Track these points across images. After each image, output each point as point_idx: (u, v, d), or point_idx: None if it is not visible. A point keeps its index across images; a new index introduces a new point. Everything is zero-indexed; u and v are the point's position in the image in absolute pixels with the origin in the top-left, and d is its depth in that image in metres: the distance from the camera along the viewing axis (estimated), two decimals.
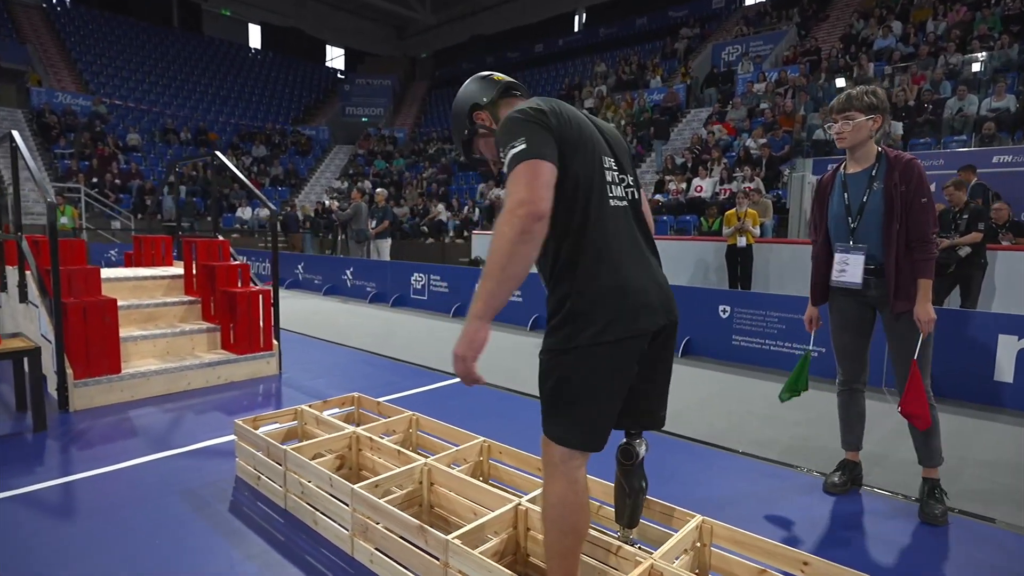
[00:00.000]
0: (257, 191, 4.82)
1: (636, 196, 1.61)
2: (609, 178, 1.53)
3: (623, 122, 14.59)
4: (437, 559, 1.84)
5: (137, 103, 20.35)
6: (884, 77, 11.67)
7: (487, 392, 4.20)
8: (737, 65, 15.53)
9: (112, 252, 11.67)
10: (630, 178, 1.62)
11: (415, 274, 8.22)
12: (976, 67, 10.72)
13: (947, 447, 3.25)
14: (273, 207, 4.66)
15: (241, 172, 13.87)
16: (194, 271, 4.82)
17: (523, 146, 1.37)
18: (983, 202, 6.66)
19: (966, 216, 5.48)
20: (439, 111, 25.55)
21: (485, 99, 1.70)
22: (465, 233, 13.27)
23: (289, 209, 14.69)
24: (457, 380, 4.50)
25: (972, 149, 9.06)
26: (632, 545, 1.82)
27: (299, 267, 10.32)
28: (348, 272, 9.29)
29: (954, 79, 10.64)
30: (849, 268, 2.58)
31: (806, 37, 15.63)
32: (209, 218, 16.04)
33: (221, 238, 5.17)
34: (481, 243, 11.16)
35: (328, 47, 30.25)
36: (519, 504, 2.02)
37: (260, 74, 25.82)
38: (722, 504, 2.51)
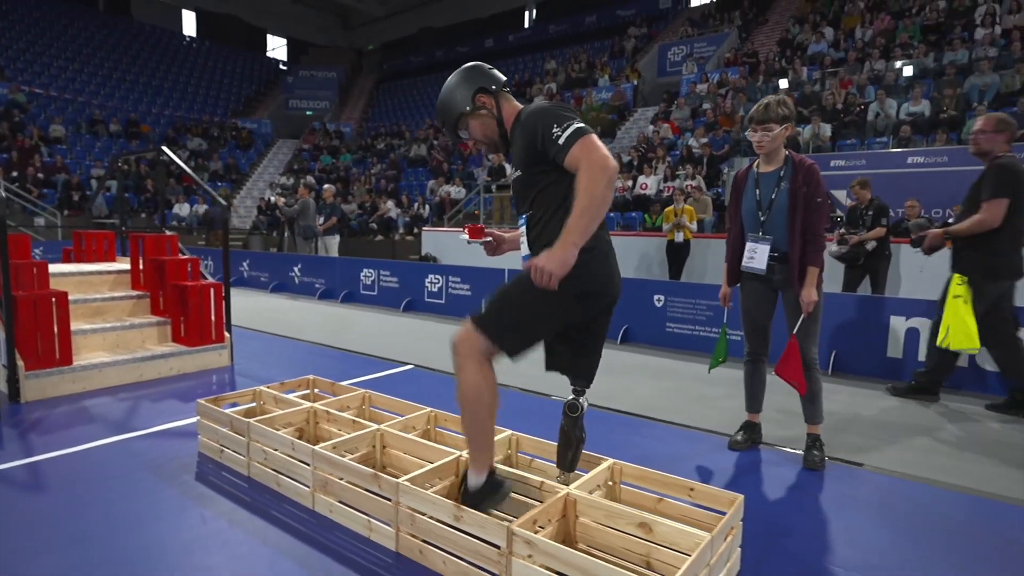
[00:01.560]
0: (207, 187, 5.03)
1: None
2: None
3: None
4: (389, 500, 2.22)
5: (60, 92, 19.60)
6: (815, 81, 12.62)
7: (433, 378, 4.57)
8: (682, 65, 16.36)
9: (37, 250, 11.37)
10: None
11: (364, 270, 8.47)
12: (908, 71, 11.75)
13: (840, 411, 3.85)
14: (224, 203, 4.88)
15: (177, 167, 13.68)
16: (141, 266, 4.99)
17: (581, 123, 1.75)
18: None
19: (871, 213, 6.19)
20: (387, 105, 25.61)
21: (494, 86, 2.01)
22: (415, 230, 13.53)
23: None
24: (408, 367, 4.86)
25: (891, 150, 10.01)
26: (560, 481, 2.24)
27: (245, 264, 10.37)
28: (296, 269, 9.44)
29: (878, 84, 11.66)
30: (757, 256, 3.09)
31: (746, 40, 16.61)
32: (143, 215, 15.72)
33: (169, 233, 5.34)
34: (432, 240, 11.47)
35: (269, 36, 29.77)
36: (460, 456, 2.41)
37: (196, 63, 25.22)
38: (640, 460, 2.97)
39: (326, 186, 10.78)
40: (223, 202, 4.90)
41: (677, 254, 8.50)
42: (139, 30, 24.74)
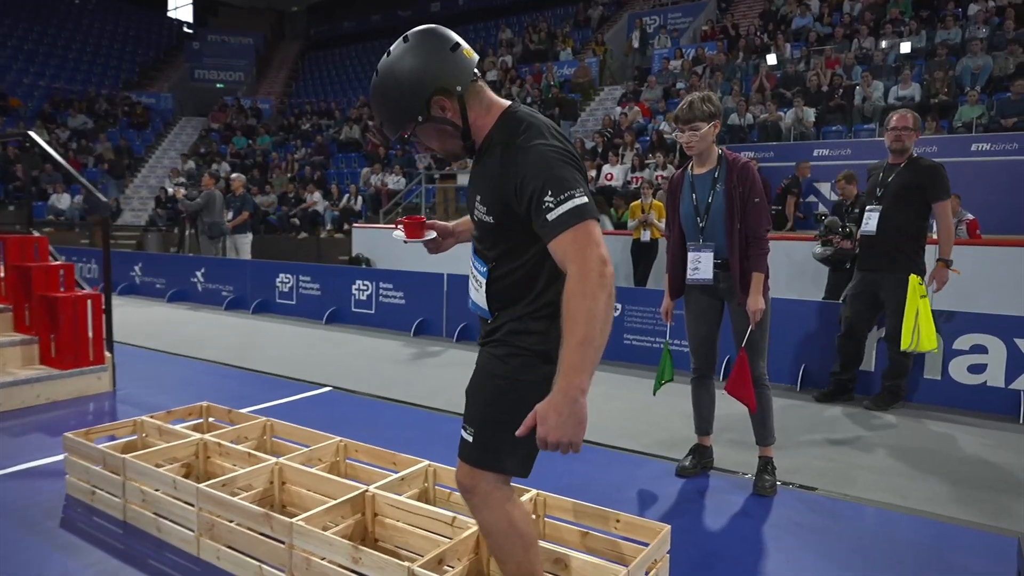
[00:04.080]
0: (84, 181, 4.99)
1: None
2: None
3: (529, 100, 15.40)
4: (283, 542, 2.31)
5: None
6: (799, 59, 13.19)
7: (351, 402, 4.65)
8: (654, 39, 16.82)
9: None
10: None
11: (281, 275, 8.47)
12: (904, 47, 12.37)
13: (800, 429, 4.11)
14: (104, 199, 4.86)
15: (56, 149, 13.27)
16: (1, 273, 4.92)
17: (585, 200, 1.49)
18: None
19: (857, 210, 6.56)
20: (314, 79, 25.39)
21: (460, 87, 1.62)
22: (345, 226, 13.51)
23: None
24: (324, 390, 4.92)
25: (879, 139, 10.55)
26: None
27: (137, 268, 10.20)
28: (199, 274, 9.35)
29: (866, 64, 12.27)
30: (701, 266, 3.30)
31: (726, 11, 17.19)
32: (11, 208, 15.20)
33: (37, 234, 5.27)
34: (366, 238, 11.49)
35: None
36: (366, 491, 2.52)
37: (80, 24, 24.50)
38: (579, 490, 3.14)
39: (234, 175, 10.68)
40: (103, 198, 4.87)
41: (644, 255, 8.77)
42: None
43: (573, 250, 1.46)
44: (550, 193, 1.49)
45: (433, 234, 2.03)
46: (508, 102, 1.72)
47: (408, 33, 1.66)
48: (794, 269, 7.65)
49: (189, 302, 9.33)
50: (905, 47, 12.38)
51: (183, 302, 9.36)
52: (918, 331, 4.22)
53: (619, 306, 5.96)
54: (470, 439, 1.75)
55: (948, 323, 4.64)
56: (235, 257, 9.75)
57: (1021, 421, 4.32)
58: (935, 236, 4.79)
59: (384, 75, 1.65)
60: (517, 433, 1.48)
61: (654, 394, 3.72)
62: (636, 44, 16.87)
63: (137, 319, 7.84)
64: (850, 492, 3.24)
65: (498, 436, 1.71)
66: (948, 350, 4.64)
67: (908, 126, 4.38)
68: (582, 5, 20.50)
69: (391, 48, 1.66)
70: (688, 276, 3.31)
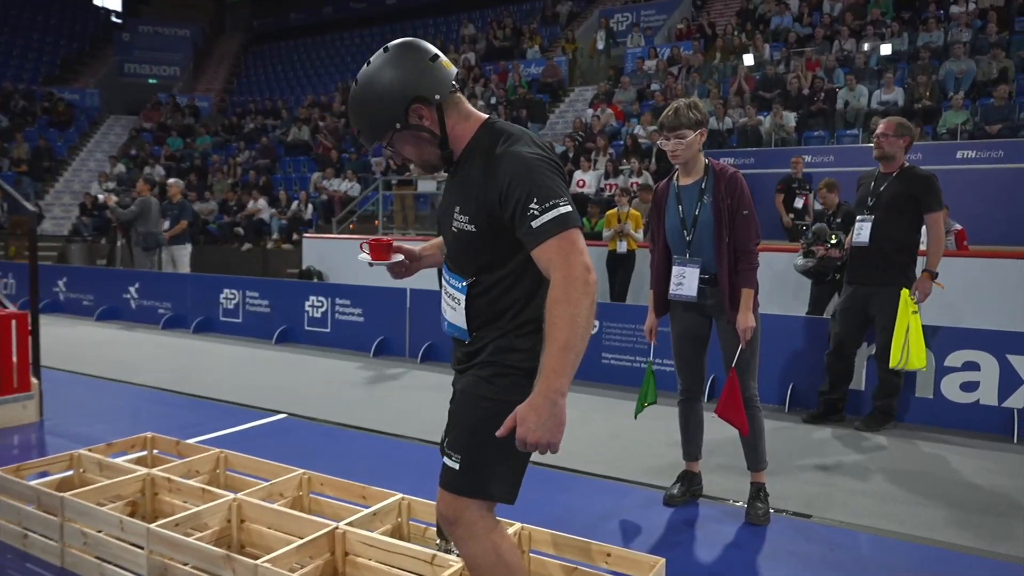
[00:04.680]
0: (7, 187, 4.88)
1: None
2: None
3: (493, 100, 15.52)
4: None
5: None
6: (779, 61, 13.58)
7: (310, 429, 4.62)
8: (626, 37, 17.13)
9: None
10: None
11: (225, 290, 8.36)
12: (884, 49, 12.83)
13: (792, 453, 4.21)
14: (32, 208, 4.75)
15: None
16: None
17: (569, 208, 1.62)
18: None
19: (839, 219, 6.78)
20: (258, 74, 25.18)
21: (438, 96, 1.75)
22: (295, 236, 13.39)
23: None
24: (279, 417, 4.87)
25: (862, 145, 10.92)
26: (454, 554, 2.39)
27: (61, 283, 9.94)
28: (132, 289, 9.18)
29: (848, 67, 12.70)
30: (686, 281, 3.38)
31: (701, 9, 17.62)
32: None
33: None
34: (317, 250, 11.40)
35: None
36: (336, 528, 2.51)
37: None
38: (560, 522, 3.17)
39: (171, 180, 10.52)
40: (30, 206, 4.77)
41: (620, 267, 8.89)
42: None
43: (558, 257, 1.58)
44: (535, 201, 1.61)
45: (400, 257, 2.12)
46: (486, 115, 1.86)
47: (388, 44, 1.81)
48: (775, 281, 7.84)
49: (121, 321, 9.13)
50: (886, 49, 12.85)
51: (115, 321, 9.15)
52: (908, 348, 4.38)
53: (596, 323, 6.04)
54: (455, 466, 1.80)
55: (938, 339, 4.82)
56: (172, 271, 9.59)
57: (1016, 441, 4.50)
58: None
59: (363, 84, 1.78)
60: (498, 433, 1.59)
61: (635, 417, 3.77)
62: (601, 45, 17.13)
63: (64, 340, 7.64)
64: (845, 519, 3.34)
65: (486, 461, 1.77)
66: (939, 367, 4.82)
67: (887, 132, 4.54)
68: (550, 0, 20.78)
69: (371, 58, 1.81)
70: (671, 291, 3.38)
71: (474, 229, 1.75)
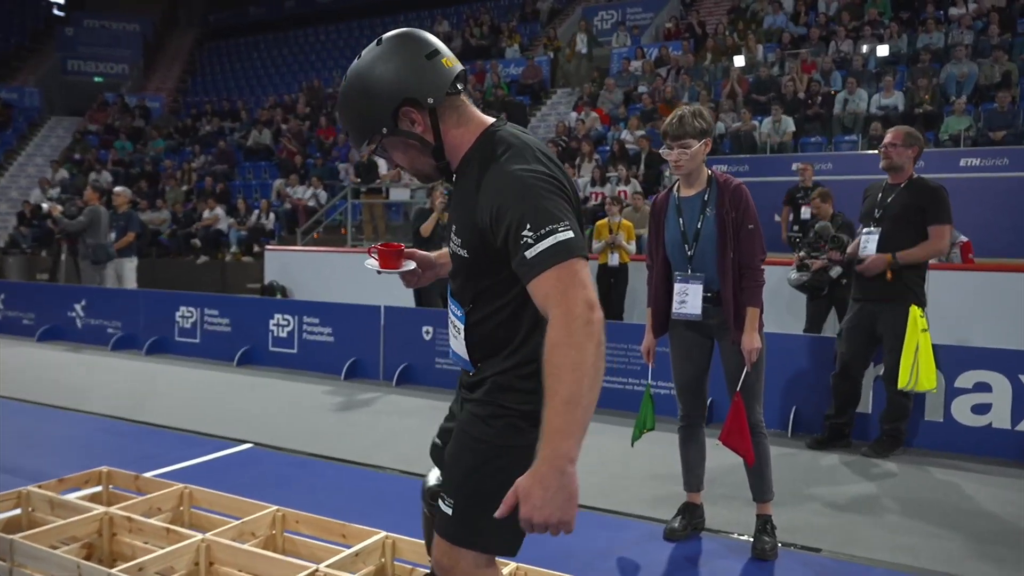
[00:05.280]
0: None
1: None
2: None
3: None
4: None
5: None
6: (773, 63, 13.82)
7: (279, 460, 4.58)
8: (611, 36, 17.33)
9: None
10: None
11: (182, 308, 8.27)
12: (881, 50, 13.10)
13: (798, 482, 4.26)
14: None
15: None
16: None
17: (571, 234, 1.48)
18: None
19: (834, 232, 6.89)
20: (215, 72, 25.05)
21: (432, 99, 1.65)
22: (255, 248, 13.29)
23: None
24: (245, 447, 4.83)
25: (861, 152, 11.13)
26: None
27: None
28: (78, 307, 9.06)
29: (845, 69, 12.95)
30: (689, 299, 3.41)
31: (691, 7, 17.89)
32: None
33: None
34: (280, 263, 11.33)
35: None
36: (316, 571, 2.49)
37: None
38: (553, 560, 3.17)
39: (117, 188, 10.42)
40: None
41: (612, 282, 8.95)
42: None
43: (555, 292, 1.45)
44: (529, 226, 1.49)
45: (412, 264, 2.02)
46: (492, 119, 1.75)
47: (383, 36, 1.72)
48: (767, 296, 7.91)
49: (66, 341, 8.99)
50: (884, 50, 13.13)
51: (59, 341, 9.01)
52: (917, 368, 4.44)
53: None
54: (448, 511, 1.75)
55: (948, 359, 4.91)
56: (116, 286, 9.46)
57: None
58: (940, 261, 5.00)
59: (351, 80, 1.71)
60: (497, 514, 1.44)
61: (632, 444, 3.79)
62: (582, 47, 17.24)
63: (2, 364, 7.50)
64: (856, 552, 3.37)
65: (481, 510, 1.67)
66: (949, 389, 4.90)
67: (895, 142, 4.62)
68: None
69: (363, 51, 1.73)
70: (674, 310, 3.41)
71: (467, 255, 1.69)
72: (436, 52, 1.67)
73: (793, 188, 9.71)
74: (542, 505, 1.37)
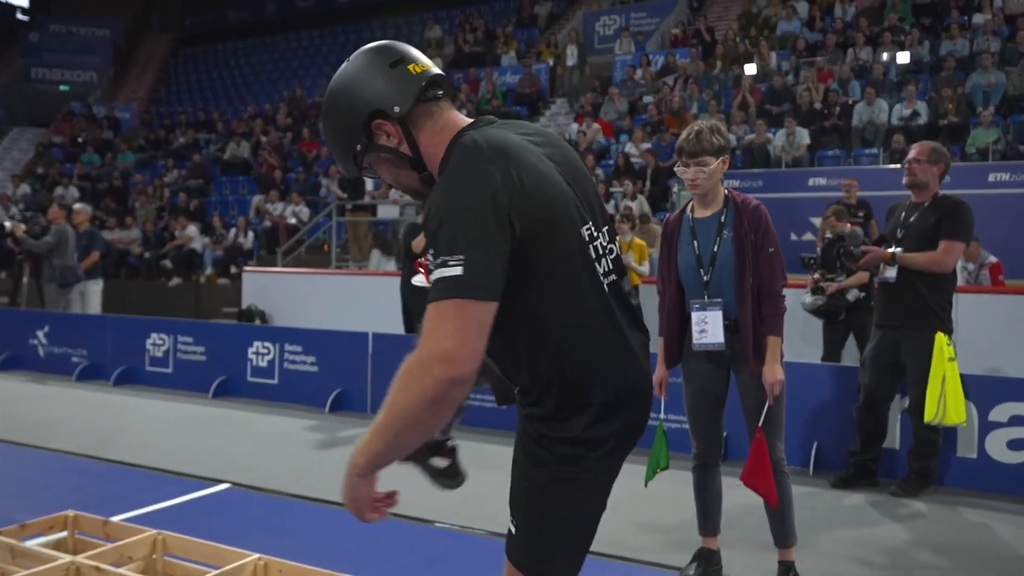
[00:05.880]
0: None
1: (616, 255, 1.77)
2: (593, 254, 1.68)
3: (464, 113, 15.66)
4: None
5: None
6: (787, 72, 13.96)
7: (261, 503, 4.55)
8: (615, 42, 17.50)
9: None
10: (606, 233, 1.75)
11: (153, 335, 8.26)
12: (901, 57, 13.21)
13: (821, 524, 4.24)
14: None
15: None
16: None
17: (459, 270, 1.42)
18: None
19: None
20: (191, 80, 25.19)
21: (398, 108, 1.67)
22: (232, 269, 13.30)
23: None
24: (223, 487, 4.81)
25: (883, 167, 11.20)
26: None
27: None
28: (41, 334, 9.05)
29: (864, 78, 13.09)
30: (709, 328, 3.41)
31: (699, 12, 18.09)
32: None
33: None
34: (259, 286, 11.33)
35: None
36: None
37: None
38: None
39: (77, 206, 10.44)
40: None
41: None
42: None
43: (425, 329, 1.45)
44: (432, 252, 1.50)
45: None
46: (468, 121, 1.73)
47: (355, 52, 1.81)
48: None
49: (27, 371, 8.98)
50: (904, 58, 13.26)
51: (19, 371, 8.99)
52: (944, 400, 4.44)
53: None
54: (513, 528, 1.81)
55: (980, 390, 4.91)
56: (79, 311, 9.44)
57: None
58: (968, 284, 4.98)
59: (326, 99, 1.78)
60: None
61: (646, 485, 3.78)
62: (573, 60, 17.25)
63: None
64: None
65: (535, 537, 1.77)
66: (983, 423, 4.90)
67: (919, 158, 4.65)
68: (527, 1, 21.15)
69: (340, 69, 1.80)
70: (695, 341, 3.41)
71: None
72: (401, 60, 1.70)
73: (836, 204, 9.68)
74: (342, 494, 1.63)
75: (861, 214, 9.47)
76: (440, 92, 1.73)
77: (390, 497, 1.70)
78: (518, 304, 1.58)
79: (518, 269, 1.53)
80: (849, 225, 6.93)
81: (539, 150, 1.67)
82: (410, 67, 1.69)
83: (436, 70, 1.74)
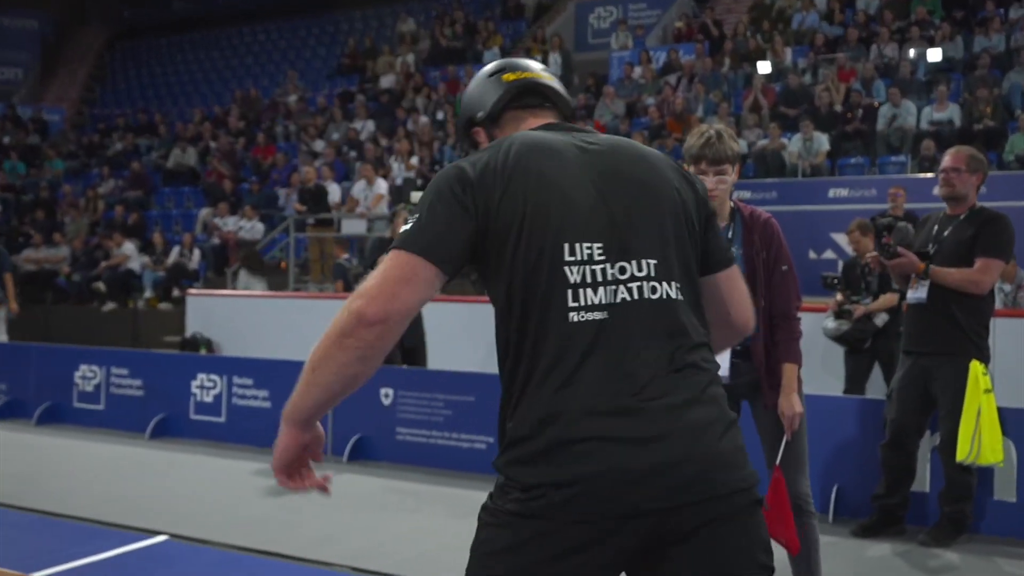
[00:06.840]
0: None
1: (659, 295, 1.69)
2: (578, 277, 1.64)
3: (440, 116, 15.82)
4: None
5: None
6: (804, 70, 14.14)
7: (200, 556, 4.53)
8: (611, 36, 17.68)
9: None
10: (650, 265, 1.69)
11: (82, 366, 8.23)
12: (935, 55, 13.37)
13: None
14: None
15: None
16: None
17: (408, 226, 1.68)
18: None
19: (877, 271, 6.98)
20: (129, 79, 25.21)
21: (481, 113, 1.94)
22: (175, 292, 13.26)
23: None
24: (159, 539, 4.78)
25: (910, 176, 11.34)
26: None
27: None
28: None
29: (890, 77, 13.26)
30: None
31: (705, 3, 18.31)
32: None
33: None
34: (205, 311, 11.31)
35: None
36: None
37: None
38: None
39: None
40: None
41: None
42: None
43: (363, 283, 1.64)
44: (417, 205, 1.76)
45: None
46: (531, 128, 1.86)
47: None
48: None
49: None
50: (935, 55, 13.44)
51: None
52: (979, 437, 4.45)
53: None
54: None
55: (1018, 426, 4.94)
56: None
57: None
58: (1006, 307, 4.93)
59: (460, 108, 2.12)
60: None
61: None
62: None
63: None
64: None
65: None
66: (1022, 462, 4.94)
67: (957, 167, 4.66)
68: None
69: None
70: None
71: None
72: (502, 69, 1.99)
73: (880, 217, 9.64)
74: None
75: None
76: (539, 101, 1.96)
77: (323, 477, 1.80)
78: (502, 316, 1.72)
79: (488, 263, 1.71)
80: (900, 222, 6.95)
81: (581, 156, 1.75)
82: (504, 76, 1.96)
83: (540, 79, 1.97)
